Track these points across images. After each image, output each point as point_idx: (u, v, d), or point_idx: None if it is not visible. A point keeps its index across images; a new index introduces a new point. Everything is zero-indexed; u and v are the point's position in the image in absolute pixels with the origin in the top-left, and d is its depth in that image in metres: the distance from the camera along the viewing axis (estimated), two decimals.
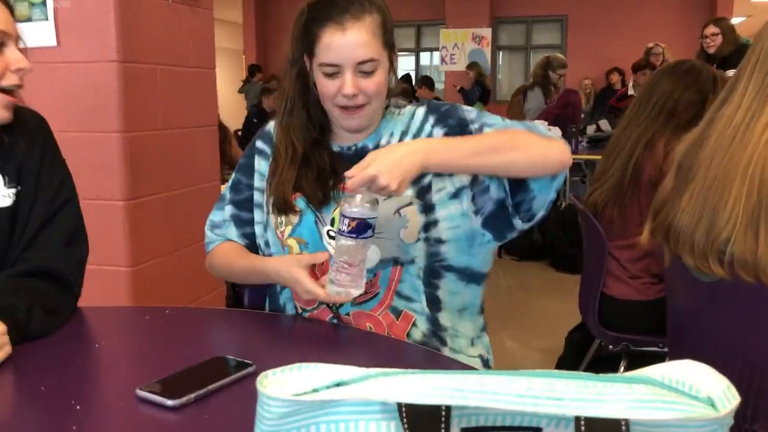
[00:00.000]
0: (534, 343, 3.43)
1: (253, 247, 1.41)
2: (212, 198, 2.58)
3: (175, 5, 2.31)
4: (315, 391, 0.57)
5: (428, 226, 1.28)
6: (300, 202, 1.31)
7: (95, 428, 0.85)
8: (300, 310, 1.34)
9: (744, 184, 1.22)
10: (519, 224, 1.29)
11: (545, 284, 4.53)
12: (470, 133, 1.29)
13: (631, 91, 6.23)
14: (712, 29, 4.66)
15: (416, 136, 1.32)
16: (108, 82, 2.06)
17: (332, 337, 1.26)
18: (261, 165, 1.40)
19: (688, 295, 1.46)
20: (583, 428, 0.53)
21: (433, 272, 1.30)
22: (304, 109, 1.33)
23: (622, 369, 2.25)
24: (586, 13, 10.59)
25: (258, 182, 1.40)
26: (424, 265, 1.29)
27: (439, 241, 1.29)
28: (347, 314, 1.29)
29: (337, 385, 0.57)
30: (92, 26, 2.05)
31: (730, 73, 1.56)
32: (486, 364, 1.39)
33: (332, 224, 1.28)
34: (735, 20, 9.59)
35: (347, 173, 1.12)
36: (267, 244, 1.38)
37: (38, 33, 2.03)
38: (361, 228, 1.10)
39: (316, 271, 1.27)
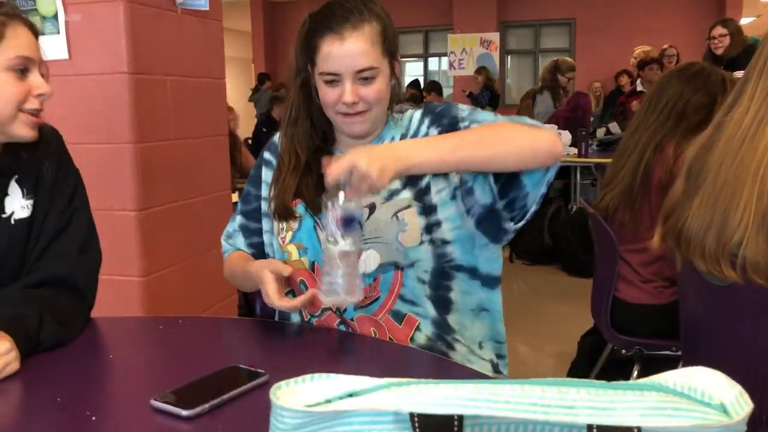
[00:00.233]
0: (546, 348, 3.42)
1: (260, 255, 1.44)
2: (223, 206, 2.60)
3: (185, 17, 2.33)
4: (328, 401, 0.58)
5: (431, 228, 1.28)
6: (300, 208, 1.34)
7: None
8: (307, 317, 1.35)
9: (755, 187, 1.22)
10: (511, 226, 1.28)
11: (557, 288, 4.51)
12: (459, 129, 1.29)
13: (640, 88, 6.21)
14: (719, 30, 4.64)
15: (413, 138, 1.32)
16: (119, 94, 2.08)
17: (342, 345, 1.26)
18: (268, 175, 1.43)
19: (701, 299, 1.45)
20: None
21: (443, 273, 1.30)
22: (307, 119, 1.35)
23: (635, 373, 2.24)
24: (594, 16, 10.58)
25: (265, 192, 1.43)
26: (432, 267, 1.29)
27: (445, 242, 1.29)
28: (352, 319, 1.30)
29: (350, 395, 0.58)
30: (103, 39, 2.08)
31: (739, 74, 1.55)
32: (496, 369, 1.39)
33: None
34: (744, 20, 9.56)
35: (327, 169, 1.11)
36: (274, 251, 1.40)
37: (50, 46, 2.05)
38: (348, 224, 1.08)
39: (316, 276, 1.29)
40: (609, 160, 2.54)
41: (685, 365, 1.60)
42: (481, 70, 8.62)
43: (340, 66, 1.23)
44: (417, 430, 0.54)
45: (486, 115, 1.31)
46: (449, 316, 1.32)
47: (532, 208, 1.26)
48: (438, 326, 1.31)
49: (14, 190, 1.22)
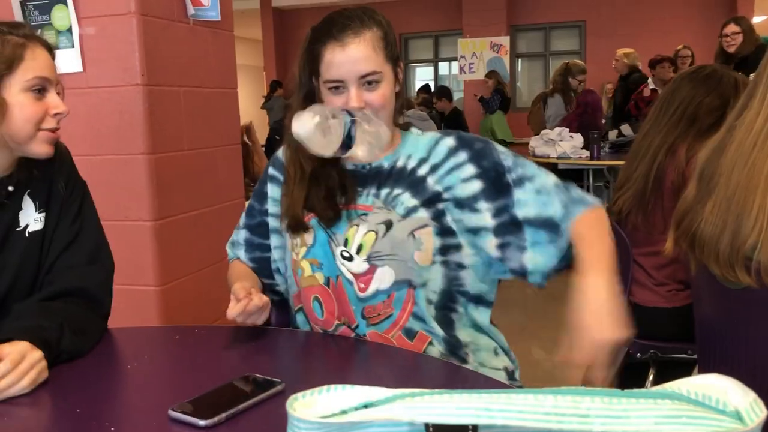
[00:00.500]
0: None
1: (260, 270, 1.46)
2: (237, 215, 2.59)
3: (197, 28, 2.35)
4: (343, 412, 0.58)
5: (447, 250, 1.28)
6: (313, 223, 1.33)
7: None
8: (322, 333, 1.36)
9: None
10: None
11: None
12: (508, 183, 1.28)
13: (651, 85, 6.17)
14: (732, 28, 4.60)
15: (439, 166, 1.31)
16: (133, 106, 2.11)
17: (356, 354, 1.27)
18: (273, 191, 1.43)
19: (716, 303, 1.44)
20: None
21: (451, 296, 1.30)
22: None
23: (651, 377, 2.23)
24: (604, 18, 10.53)
25: (272, 208, 1.43)
26: (441, 288, 1.29)
27: (461, 266, 1.29)
28: (364, 335, 1.30)
29: (365, 406, 0.58)
30: (116, 52, 2.10)
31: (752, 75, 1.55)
32: (511, 376, 1.38)
33: (345, 244, 1.28)
34: (756, 19, 9.48)
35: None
36: (287, 267, 1.40)
37: (65, 60, 2.07)
38: None
39: (330, 292, 1.30)
40: (621, 163, 2.53)
41: (700, 369, 1.60)
42: (491, 74, 8.60)
43: (344, 72, 1.23)
44: None
45: (531, 169, 1.31)
46: (456, 332, 1.31)
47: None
48: (448, 343, 1.30)
49: (27, 203, 1.25)
